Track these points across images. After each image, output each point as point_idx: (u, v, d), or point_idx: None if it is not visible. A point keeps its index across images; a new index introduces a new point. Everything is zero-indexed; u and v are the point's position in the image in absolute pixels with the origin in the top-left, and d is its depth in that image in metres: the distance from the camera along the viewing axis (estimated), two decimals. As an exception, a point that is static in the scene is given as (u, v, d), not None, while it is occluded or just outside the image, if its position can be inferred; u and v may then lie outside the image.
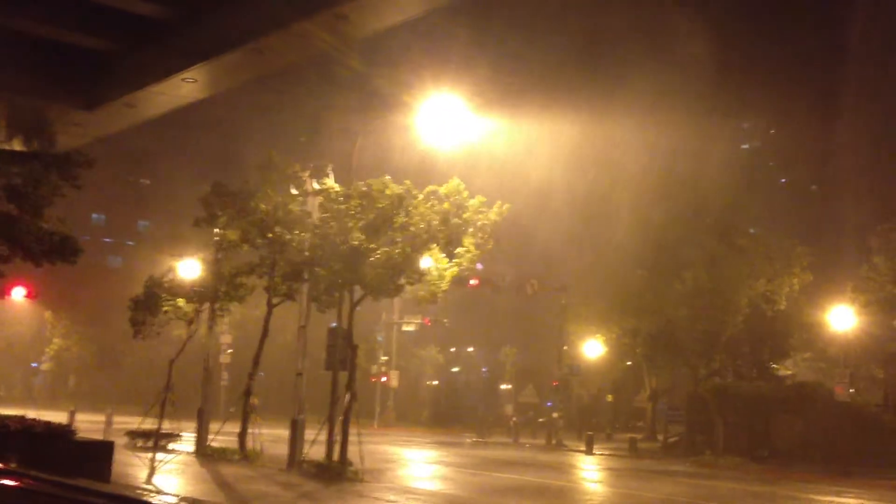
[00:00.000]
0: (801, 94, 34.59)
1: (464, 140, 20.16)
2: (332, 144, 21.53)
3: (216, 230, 23.72)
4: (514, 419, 47.73)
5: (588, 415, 56.51)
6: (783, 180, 39.50)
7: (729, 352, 39.25)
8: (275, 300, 23.38)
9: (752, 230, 38.20)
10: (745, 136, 38.70)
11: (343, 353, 21.46)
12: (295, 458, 21.31)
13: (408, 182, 21.01)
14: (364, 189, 20.85)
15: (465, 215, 20.90)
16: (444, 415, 59.38)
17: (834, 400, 32.46)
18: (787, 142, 36.32)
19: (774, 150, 37.91)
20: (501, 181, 26.87)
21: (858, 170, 33.59)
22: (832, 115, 33.26)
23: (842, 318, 33.33)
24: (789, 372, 41.12)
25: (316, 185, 21.59)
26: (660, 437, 44.20)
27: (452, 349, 68.45)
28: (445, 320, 55.40)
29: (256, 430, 22.93)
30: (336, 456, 20.43)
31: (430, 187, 21.06)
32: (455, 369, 69.36)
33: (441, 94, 19.30)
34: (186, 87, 14.49)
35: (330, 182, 21.44)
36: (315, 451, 20.97)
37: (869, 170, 35.33)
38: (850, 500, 23.20)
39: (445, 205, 20.98)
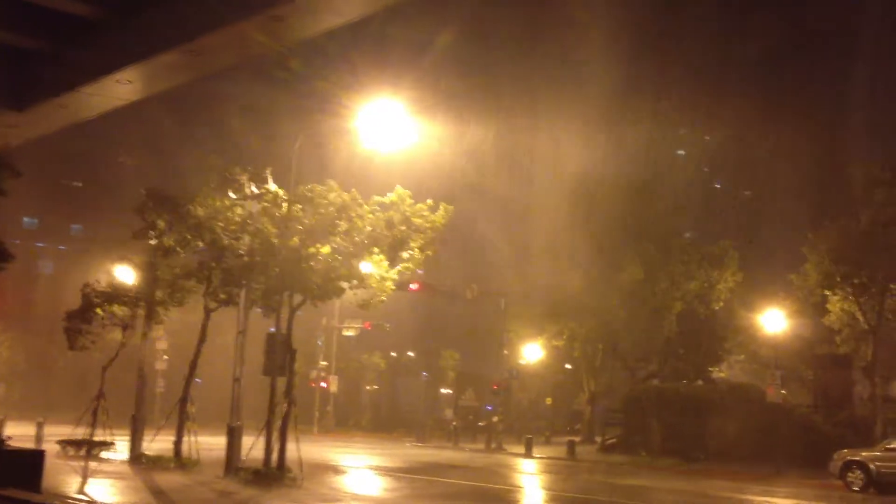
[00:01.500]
0: (735, 100, 35.31)
1: (404, 144, 20.15)
2: (272, 148, 21.27)
3: (151, 233, 23.35)
4: (455, 423, 47.81)
5: (528, 418, 56.87)
6: (717, 185, 40.28)
7: (665, 354, 39.89)
8: (212, 305, 23.09)
9: (687, 234, 38.89)
10: (680, 142, 39.35)
11: (282, 358, 21.24)
12: (232, 465, 21.03)
13: (354, 191, 20.94)
14: (308, 194, 20.73)
15: (415, 220, 20.93)
16: (384, 420, 59.27)
17: (766, 401, 33.15)
18: (721, 147, 37.04)
19: (709, 155, 38.63)
20: (442, 184, 27.01)
21: (791, 175, 34.39)
22: (765, 120, 34.03)
23: (773, 321, 34.07)
24: (724, 374, 41.89)
25: (255, 189, 21.39)
26: (598, 440, 44.65)
27: (393, 354, 68.33)
28: (387, 325, 55.29)
29: (193, 437, 22.59)
30: (274, 462, 20.25)
31: (376, 198, 21.05)
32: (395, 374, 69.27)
33: (381, 98, 19.28)
34: (121, 88, 14.27)
35: (270, 186, 21.26)
36: (253, 457, 20.74)
37: (801, 175, 36.13)
38: (777, 500, 23.71)
39: (390, 213, 21.00)
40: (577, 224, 37.74)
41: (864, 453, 27.28)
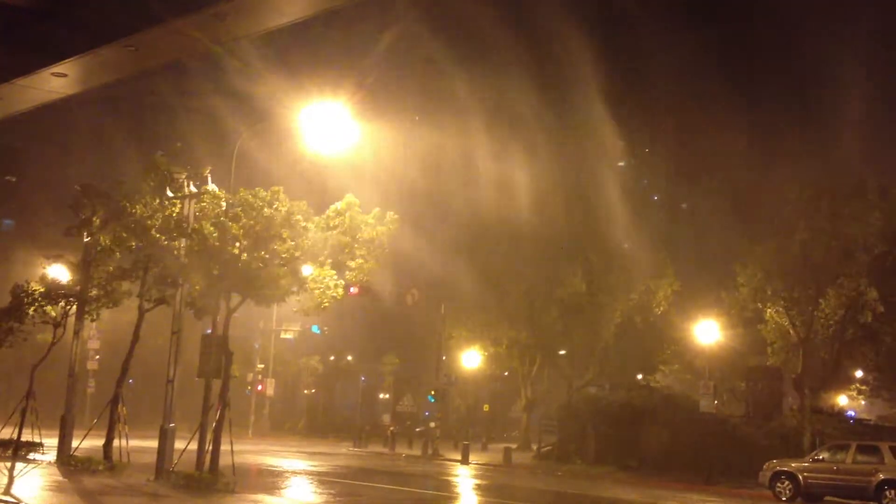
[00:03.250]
0: (672, 113, 35.86)
1: (346, 145, 20.06)
2: (213, 148, 21.02)
3: (85, 233, 22.89)
4: (392, 428, 47.67)
5: (465, 424, 56.96)
6: (655, 197, 40.88)
7: (602, 363, 40.31)
8: (147, 305, 22.68)
9: (626, 245, 39.35)
10: (620, 154, 39.88)
11: (217, 360, 20.93)
12: (163, 468, 20.65)
13: (303, 204, 20.73)
14: (250, 198, 20.48)
15: (360, 234, 20.86)
16: (321, 424, 58.84)
17: (699, 411, 33.70)
18: (660, 159, 37.62)
19: (648, 167, 39.21)
20: (384, 188, 26.94)
21: (727, 188, 35.06)
22: (703, 133, 34.58)
23: (706, 333, 34.72)
24: (659, 384, 42.42)
25: (193, 189, 21.08)
26: (534, 447, 44.89)
27: (332, 357, 67.95)
28: (325, 329, 54.99)
29: (124, 439, 22.15)
30: (207, 467, 19.94)
31: (330, 210, 20.90)
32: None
33: (323, 100, 19.20)
34: (56, 81, 13.99)
35: (210, 187, 20.96)
36: (186, 461, 20.42)
37: (737, 191, 36.73)
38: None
39: (338, 220, 20.90)
40: (518, 233, 37.97)
41: (793, 464, 27.89)
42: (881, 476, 25.70)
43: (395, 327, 60.78)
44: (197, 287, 20.88)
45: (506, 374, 54.23)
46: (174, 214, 21.08)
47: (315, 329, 61.81)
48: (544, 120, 36.90)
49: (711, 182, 35.69)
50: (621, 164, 39.80)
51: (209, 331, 21.31)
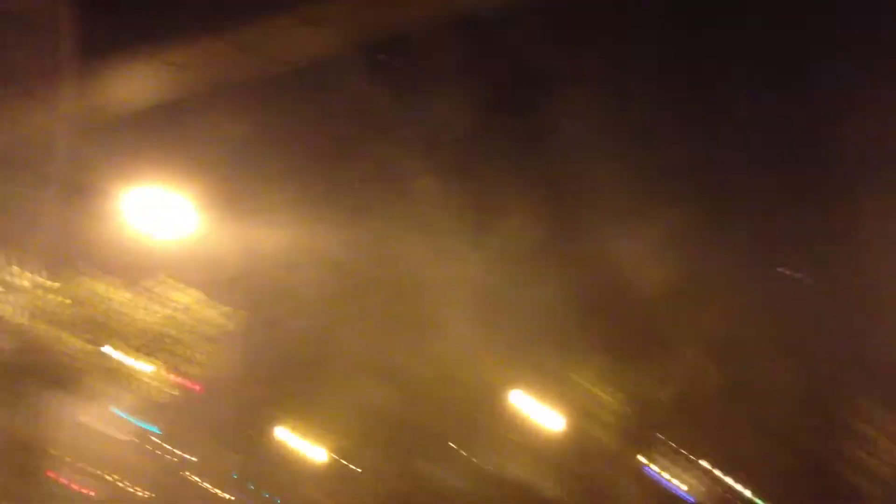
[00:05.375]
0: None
1: (183, 233, 19.60)
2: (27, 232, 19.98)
3: None
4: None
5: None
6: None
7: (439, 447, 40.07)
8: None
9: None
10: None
11: (26, 456, 19.63)
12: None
13: (120, 293, 19.99)
14: (82, 292, 19.63)
15: (205, 326, 20.34)
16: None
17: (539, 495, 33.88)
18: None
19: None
20: (223, 278, 26.33)
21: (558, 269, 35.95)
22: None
23: (545, 415, 35.31)
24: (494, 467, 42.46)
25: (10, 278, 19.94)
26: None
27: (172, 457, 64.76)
28: (156, 428, 52.35)
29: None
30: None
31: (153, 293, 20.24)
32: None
33: (154, 186, 18.76)
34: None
35: (31, 276, 19.86)
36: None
37: None
38: None
39: (165, 308, 20.33)
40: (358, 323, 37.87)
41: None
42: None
43: (233, 424, 58.73)
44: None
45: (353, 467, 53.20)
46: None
47: (150, 427, 59.06)
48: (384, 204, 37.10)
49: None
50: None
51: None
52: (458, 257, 41.04)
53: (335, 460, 49.86)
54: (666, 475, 45.19)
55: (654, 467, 43.09)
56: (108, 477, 50.75)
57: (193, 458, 66.10)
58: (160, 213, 18.81)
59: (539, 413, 35.80)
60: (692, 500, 40.81)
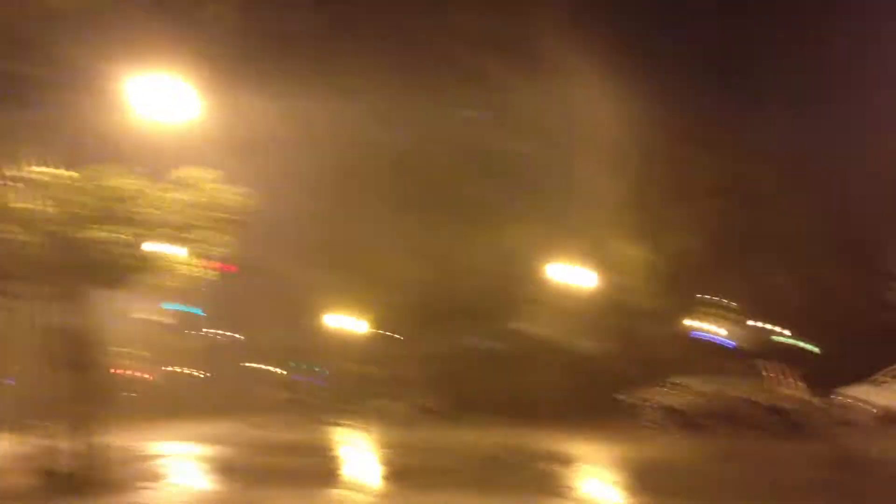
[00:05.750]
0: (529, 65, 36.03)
1: (186, 117, 19.48)
2: (34, 119, 19.92)
3: None
4: (289, 396, 47.09)
5: (356, 387, 57.00)
6: (518, 150, 41.23)
7: (481, 314, 40.85)
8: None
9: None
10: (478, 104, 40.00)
11: (80, 350, 20.34)
12: (37, 467, 19.99)
13: (142, 184, 20.01)
14: (87, 181, 19.65)
15: (218, 203, 20.37)
16: (206, 401, 57.70)
17: (574, 353, 34.75)
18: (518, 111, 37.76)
19: (504, 120, 39.38)
20: (242, 158, 26.34)
21: (581, 134, 35.66)
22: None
23: (576, 274, 35.73)
24: (533, 329, 43.30)
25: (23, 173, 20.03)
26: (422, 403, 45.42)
27: (214, 333, 66.73)
28: (200, 310, 53.77)
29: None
30: (84, 461, 19.37)
31: (174, 180, 20.24)
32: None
33: (155, 70, 18.56)
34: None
35: (41, 168, 19.89)
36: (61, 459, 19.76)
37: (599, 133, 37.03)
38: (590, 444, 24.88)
39: (190, 193, 20.38)
40: (384, 193, 37.96)
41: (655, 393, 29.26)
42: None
43: (275, 299, 60.02)
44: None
45: (390, 333, 54.46)
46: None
47: (194, 310, 60.58)
48: (407, 80, 36.63)
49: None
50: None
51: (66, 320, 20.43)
52: (478, 129, 40.84)
53: (376, 331, 51.15)
54: (705, 325, 45.88)
55: (694, 322, 43.75)
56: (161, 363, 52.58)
57: (240, 337, 68.14)
58: (168, 98, 18.69)
59: (574, 276, 36.09)
60: (733, 344, 41.56)
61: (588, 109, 33.55)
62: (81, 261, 19.26)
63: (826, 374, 28.71)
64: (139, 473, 21.42)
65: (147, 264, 20.20)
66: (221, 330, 68.98)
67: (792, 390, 27.37)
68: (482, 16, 34.90)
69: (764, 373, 27.80)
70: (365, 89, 33.69)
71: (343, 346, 53.03)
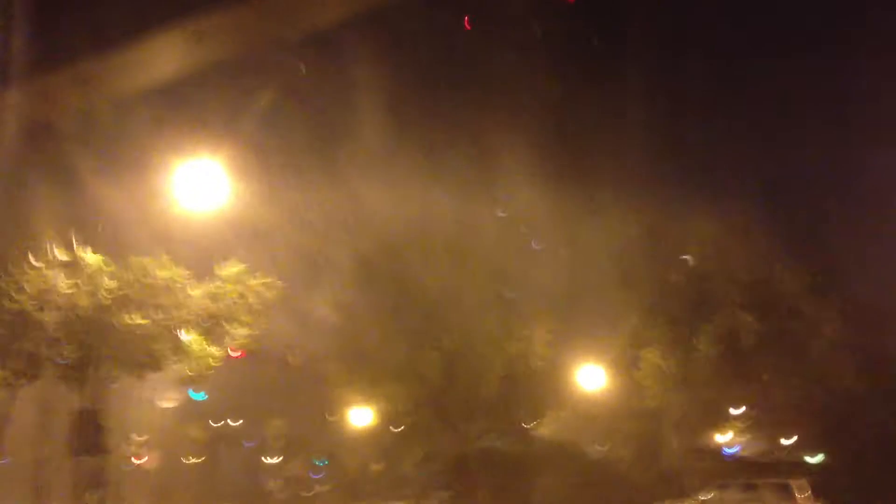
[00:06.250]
0: (551, 159, 36.40)
1: (220, 203, 19.68)
2: (72, 209, 20.17)
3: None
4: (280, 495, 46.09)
5: (358, 484, 55.90)
6: (536, 246, 41.31)
7: (488, 414, 40.24)
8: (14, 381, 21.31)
9: (508, 295, 39.64)
10: (500, 205, 40.29)
11: (92, 436, 20.00)
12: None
13: (181, 274, 20.16)
14: (133, 270, 19.82)
15: (248, 298, 20.50)
16: (206, 494, 56.50)
17: (587, 457, 34.13)
18: (538, 208, 37.95)
19: (526, 216, 39.59)
20: (263, 247, 26.48)
21: (607, 234, 35.85)
22: (580, 178, 35.23)
23: (590, 378, 35.36)
24: (546, 431, 42.65)
25: (58, 256, 20.10)
26: (424, 504, 44.48)
27: (213, 423, 65.79)
28: (207, 392, 53.06)
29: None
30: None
31: (220, 278, 20.40)
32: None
33: (196, 158, 18.86)
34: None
35: (83, 253, 20.00)
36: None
37: (615, 235, 37.10)
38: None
39: (225, 285, 20.53)
40: (397, 289, 37.91)
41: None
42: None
43: (280, 389, 59.40)
44: (69, 359, 19.90)
45: (398, 429, 53.66)
46: (41, 284, 19.98)
47: (196, 395, 59.83)
48: (425, 167, 37.02)
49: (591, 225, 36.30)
50: (502, 214, 40.16)
51: (81, 406, 20.25)
52: (505, 222, 41.07)
53: (380, 423, 50.31)
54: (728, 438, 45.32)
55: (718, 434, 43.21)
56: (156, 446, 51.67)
57: (237, 423, 67.14)
58: (200, 187, 18.84)
59: (595, 380, 35.82)
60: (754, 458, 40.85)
61: (615, 225, 34.00)
62: (112, 345, 19.18)
63: (846, 490, 28.09)
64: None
65: (177, 351, 20.15)
66: (227, 418, 68.09)
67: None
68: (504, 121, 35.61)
69: (785, 489, 27.16)
70: (410, 177, 34.18)
71: (350, 439, 52.28)
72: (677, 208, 34.80)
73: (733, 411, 45.68)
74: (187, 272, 19.96)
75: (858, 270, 33.55)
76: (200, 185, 18.80)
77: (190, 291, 19.81)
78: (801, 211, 36.61)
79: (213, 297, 20.07)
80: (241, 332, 20.81)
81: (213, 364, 20.91)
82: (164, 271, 19.57)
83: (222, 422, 67.47)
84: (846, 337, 33.42)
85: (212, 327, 20.59)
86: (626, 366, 36.53)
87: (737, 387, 37.36)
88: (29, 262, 19.98)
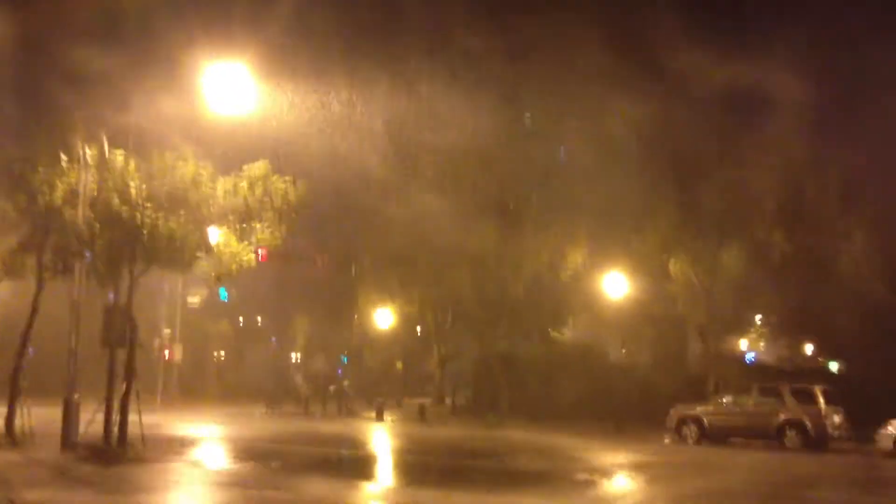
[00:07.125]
0: (580, 70, 35.81)
1: (249, 107, 19.55)
2: (104, 109, 20.19)
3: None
4: (305, 390, 47.31)
5: (379, 382, 57.15)
6: (562, 156, 41.07)
7: (513, 318, 40.75)
8: (46, 275, 21.79)
9: (534, 197, 39.59)
10: (527, 108, 39.81)
11: (121, 329, 20.42)
12: (69, 440, 20.14)
13: (208, 168, 20.18)
14: (160, 165, 19.85)
15: (274, 196, 20.55)
16: (232, 388, 58.09)
17: (608, 361, 34.53)
18: (566, 119, 37.56)
19: (554, 128, 39.16)
20: (293, 150, 26.44)
21: (635, 146, 35.46)
22: (608, 90, 34.66)
23: (615, 285, 35.45)
24: (567, 336, 43.17)
25: (89, 153, 20.23)
26: (448, 401, 45.38)
27: (241, 320, 67.20)
28: (232, 292, 54.11)
29: (26, 412, 21.38)
30: (115, 437, 19.56)
31: (245, 174, 20.42)
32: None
33: (224, 60, 18.63)
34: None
35: (112, 153, 20.10)
36: (93, 432, 19.92)
37: (645, 146, 36.76)
38: (618, 454, 24.66)
39: (250, 184, 20.54)
40: (427, 192, 37.86)
41: (698, 408, 29.02)
42: (782, 416, 27.00)
43: (307, 289, 60.36)
44: (99, 257, 20.22)
45: (419, 331, 54.58)
46: (72, 182, 20.19)
47: (223, 295, 60.90)
48: (454, 74, 36.53)
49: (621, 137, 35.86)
50: (527, 115, 39.70)
51: (112, 298, 20.65)
52: (538, 136, 40.67)
53: (401, 323, 51.13)
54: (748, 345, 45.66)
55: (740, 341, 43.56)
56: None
57: (263, 321, 68.51)
58: (227, 89, 18.69)
59: (620, 287, 35.92)
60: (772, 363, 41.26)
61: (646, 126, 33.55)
62: (141, 242, 19.38)
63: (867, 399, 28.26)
64: (168, 450, 21.47)
65: (206, 248, 20.33)
66: (254, 316, 69.62)
67: (819, 409, 26.83)
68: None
69: (807, 394, 27.31)
70: (428, 88, 33.87)
71: (377, 341, 53.24)
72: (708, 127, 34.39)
73: (757, 318, 46.16)
74: (213, 170, 20.02)
75: (889, 179, 33.08)
76: (228, 88, 18.65)
77: (216, 186, 19.87)
78: (830, 121, 36.12)
79: (240, 194, 20.12)
80: (268, 231, 20.88)
81: (243, 264, 21.11)
82: (190, 166, 19.61)
83: (247, 319, 69.18)
84: (874, 245, 33.36)
85: (239, 226, 20.69)
86: (652, 273, 36.63)
87: (762, 295, 37.57)
88: (59, 160, 20.15)
